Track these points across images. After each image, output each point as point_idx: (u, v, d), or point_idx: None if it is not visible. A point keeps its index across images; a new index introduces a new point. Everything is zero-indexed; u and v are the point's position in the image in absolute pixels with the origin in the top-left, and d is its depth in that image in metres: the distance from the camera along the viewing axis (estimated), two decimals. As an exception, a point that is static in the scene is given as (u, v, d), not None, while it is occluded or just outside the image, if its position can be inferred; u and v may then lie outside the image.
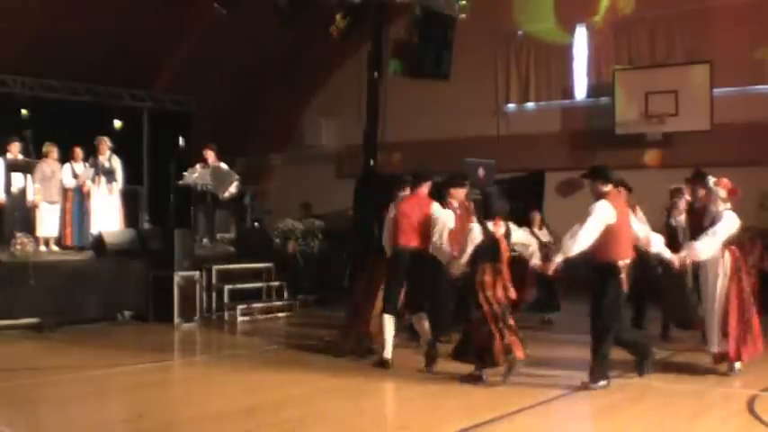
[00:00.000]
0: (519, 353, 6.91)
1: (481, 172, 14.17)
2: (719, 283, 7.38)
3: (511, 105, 16.81)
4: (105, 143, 12.46)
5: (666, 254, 7.27)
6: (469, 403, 6.45)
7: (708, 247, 7.29)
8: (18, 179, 12.09)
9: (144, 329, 10.48)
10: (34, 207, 11.99)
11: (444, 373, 7.35)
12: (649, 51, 15.21)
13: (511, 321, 7.01)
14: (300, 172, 18.60)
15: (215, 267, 11.76)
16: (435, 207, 7.84)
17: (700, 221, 7.72)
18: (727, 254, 7.39)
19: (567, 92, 16.17)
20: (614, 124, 14.94)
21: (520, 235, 7.38)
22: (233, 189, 13.31)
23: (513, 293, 7.07)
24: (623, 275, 6.77)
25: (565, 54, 16.00)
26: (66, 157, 12.22)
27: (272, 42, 15.80)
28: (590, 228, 6.72)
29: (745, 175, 12.64)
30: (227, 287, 11.63)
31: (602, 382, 6.78)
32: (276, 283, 12.39)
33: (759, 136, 13.50)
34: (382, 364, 7.76)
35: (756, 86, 14.12)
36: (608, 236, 6.75)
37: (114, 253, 11.34)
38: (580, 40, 15.91)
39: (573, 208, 11.71)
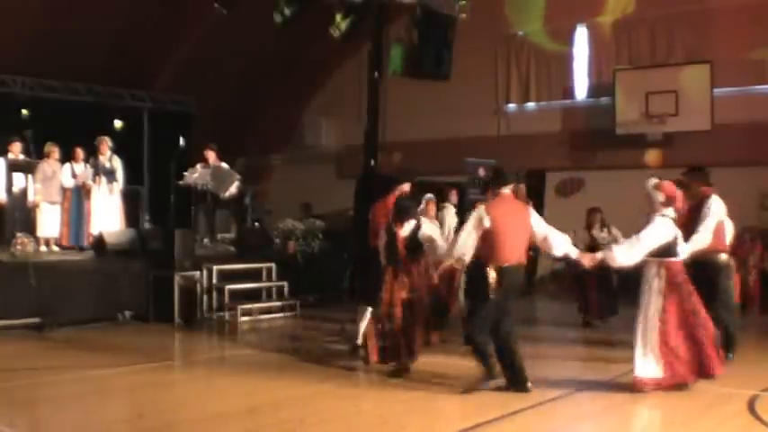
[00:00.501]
0: (374, 356, 7.49)
1: (481, 172, 14.21)
2: (652, 300, 6.77)
3: (511, 105, 16.82)
4: (106, 143, 12.47)
5: (573, 254, 7.00)
6: (469, 403, 6.46)
7: (626, 252, 6.77)
8: (19, 179, 12.10)
9: (144, 329, 10.48)
10: (35, 207, 12.00)
11: (444, 374, 7.36)
12: (649, 51, 15.21)
13: (402, 324, 7.39)
14: (300, 172, 18.61)
15: (215, 267, 11.75)
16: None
17: (690, 220, 7.63)
18: (663, 270, 6.78)
19: (568, 92, 16.18)
20: (614, 124, 14.94)
21: (427, 230, 7.66)
22: (233, 189, 13.33)
23: (405, 290, 7.46)
24: (492, 279, 6.68)
25: (565, 54, 16.01)
26: (67, 158, 12.23)
27: (272, 42, 15.81)
28: (464, 231, 6.96)
29: (745, 174, 12.71)
30: (227, 287, 11.62)
31: (490, 383, 6.77)
32: (276, 283, 12.38)
33: (759, 136, 13.50)
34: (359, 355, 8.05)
35: (756, 86, 14.11)
36: (486, 239, 6.80)
37: (114, 253, 11.33)
38: (580, 41, 15.93)
39: (573, 208, 11.76)
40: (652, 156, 14.70)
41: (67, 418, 6.27)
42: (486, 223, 6.77)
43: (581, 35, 15.91)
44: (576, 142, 15.79)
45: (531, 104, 16.70)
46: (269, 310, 11.93)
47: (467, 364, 7.73)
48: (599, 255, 7.06)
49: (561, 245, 6.93)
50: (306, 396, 6.76)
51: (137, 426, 6.03)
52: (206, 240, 13.14)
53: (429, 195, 9.41)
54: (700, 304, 6.81)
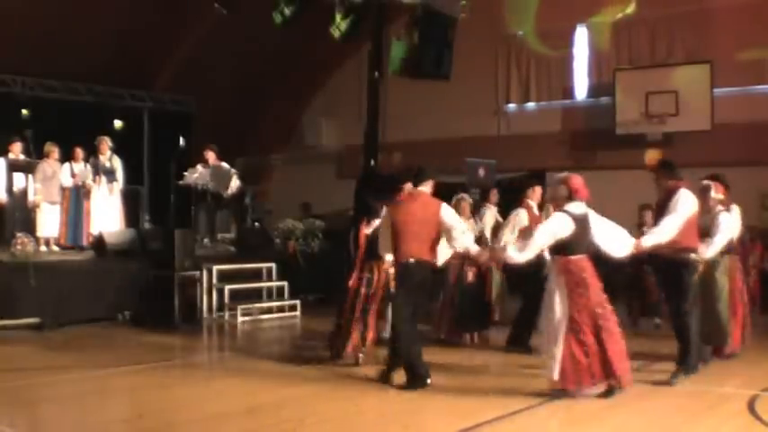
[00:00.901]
0: (349, 348, 7.85)
1: (482, 172, 14.19)
2: (549, 299, 6.56)
3: (511, 105, 16.82)
4: (106, 143, 12.48)
5: (473, 249, 7.04)
6: (470, 403, 6.45)
7: (519, 249, 6.62)
8: (19, 179, 12.10)
9: (144, 330, 10.47)
10: (35, 207, 12.00)
11: (444, 374, 7.36)
12: (649, 51, 15.21)
13: (370, 317, 7.81)
14: (300, 172, 18.60)
15: (215, 267, 11.76)
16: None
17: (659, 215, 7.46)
18: (561, 267, 6.52)
19: (568, 92, 16.17)
20: (614, 124, 14.94)
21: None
22: (234, 184, 13.32)
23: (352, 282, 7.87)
24: (391, 273, 7.01)
25: (565, 54, 16.00)
26: (67, 157, 12.24)
27: (273, 42, 15.80)
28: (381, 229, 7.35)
29: (745, 174, 12.67)
30: (227, 287, 11.63)
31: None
32: (277, 283, 12.39)
33: (759, 136, 13.50)
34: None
35: (756, 86, 14.12)
36: (393, 236, 6.99)
37: (114, 253, 11.33)
38: (580, 41, 15.92)
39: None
40: (652, 156, 14.68)
41: (67, 418, 6.27)
42: (389, 219, 7.06)
43: (581, 35, 15.90)
44: (576, 142, 15.79)
45: (531, 104, 16.69)
46: (269, 310, 11.94)
47: (467, 364, 7.75)
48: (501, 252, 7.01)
49: (461, 240, 6.99)
50: (306, 396, 6.76)
51: (137, 426, 6.03)
52: (206, 240, 13.14)
53: (462, 195, 9.44)
54: (604, 306, 6.47)
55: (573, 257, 6.48)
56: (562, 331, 6.41)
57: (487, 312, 9.67)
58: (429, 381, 6.86)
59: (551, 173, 15.63)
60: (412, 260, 6.87)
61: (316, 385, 7.13)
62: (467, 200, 9.51)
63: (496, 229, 9.76)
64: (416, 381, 6.85)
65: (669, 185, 7.31)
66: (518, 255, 6.59)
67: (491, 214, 10.43)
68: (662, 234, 7.03)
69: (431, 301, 8.30)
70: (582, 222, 6.52)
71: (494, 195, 10.65)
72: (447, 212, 7.03)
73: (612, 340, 6.42)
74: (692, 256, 7.27)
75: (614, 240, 6.73)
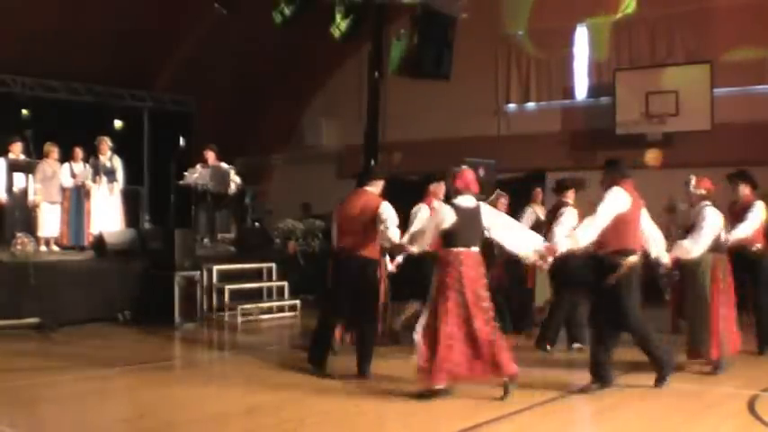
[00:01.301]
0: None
1: (481, 172, 14.19)
2: (430, 291, 6.60)
3: (511, 105, 16.81)
4: (106, 143, 12.48)
5: (396, 243, 7.12)
6: (470, 403, 6.45)
7: (410, 240, 6.98)
8: (19, 179, 12.10)
9: (144, 329, 10.47)
10: (35, 207, 12.00)
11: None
12: (649, 51, 15.21)
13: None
14: (300, 172, 18.60)
15: (215, 267, 11.77)
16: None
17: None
18: (440, 259, 6.56)
19: (568, 92, 16.17)
20: (614, 124, 14.93)
21: None
22: (234, 180, 13.32)
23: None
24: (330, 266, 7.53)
25: (565, 54, 16.00)
26: (66, 157, 12.24)
27: (272, 42, 15.81)
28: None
29: (745, 174, 12.69)
30: (227, 287, 11.63)
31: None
32: (277, 283, 12.40)
33: (760, 136, 13.49)
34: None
35: (757, 86, 14.12)
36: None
37: (114, 253, 11.33)
38: (580, 41, 15.92)
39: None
40: (652, 156, 14.69)
41: (67, 418, 6.27)
42: (336, 216, 7.47)
43: (581, 35, 15.90)
44: (576, 142, 15.78)
45: (531, 104, 16.68)
46: (269, 310, 11.94)
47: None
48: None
49: (384, 234, 7.12)
50: (306, 396, 6.75)
51: (137, 426, 6.04)
52: (206, 240, 13.14)
53: (498, 191, 9.42)
54: (480, 302, 6.41)
55: (453, 249, 6.50)
56: (428, 322, 6.48)
57: (527, 314, 9.61)
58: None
59: (552, 172, 15.82)
60: (345, 254, 7.31)
61: (316, 385, 7.13)
62: (504, 196, 9.51)
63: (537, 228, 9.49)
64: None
65: (606, 186, 6.96)
66: (411, 246, 6.93)
67: (531, 213, 10.19)
68: (576, 239, 6.72)
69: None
70: (467, 215, 6.55)
71: (538, 195, 10.45)
72: (385, 209, 7.23)
73: (489, 335, 6.39)
74: (629, 259, 6.66)
75: (516, 239, 6.71)
